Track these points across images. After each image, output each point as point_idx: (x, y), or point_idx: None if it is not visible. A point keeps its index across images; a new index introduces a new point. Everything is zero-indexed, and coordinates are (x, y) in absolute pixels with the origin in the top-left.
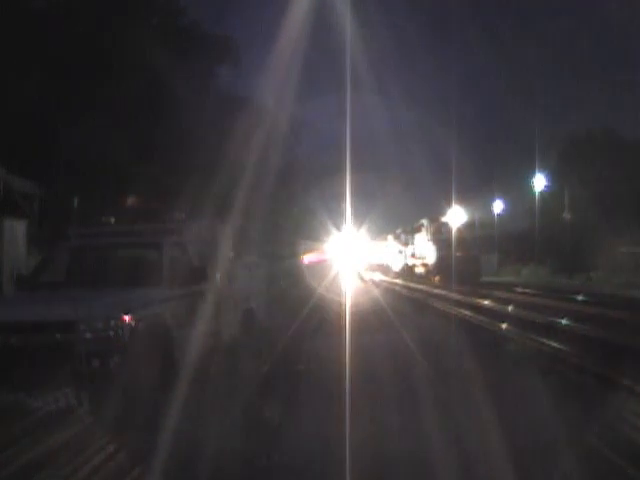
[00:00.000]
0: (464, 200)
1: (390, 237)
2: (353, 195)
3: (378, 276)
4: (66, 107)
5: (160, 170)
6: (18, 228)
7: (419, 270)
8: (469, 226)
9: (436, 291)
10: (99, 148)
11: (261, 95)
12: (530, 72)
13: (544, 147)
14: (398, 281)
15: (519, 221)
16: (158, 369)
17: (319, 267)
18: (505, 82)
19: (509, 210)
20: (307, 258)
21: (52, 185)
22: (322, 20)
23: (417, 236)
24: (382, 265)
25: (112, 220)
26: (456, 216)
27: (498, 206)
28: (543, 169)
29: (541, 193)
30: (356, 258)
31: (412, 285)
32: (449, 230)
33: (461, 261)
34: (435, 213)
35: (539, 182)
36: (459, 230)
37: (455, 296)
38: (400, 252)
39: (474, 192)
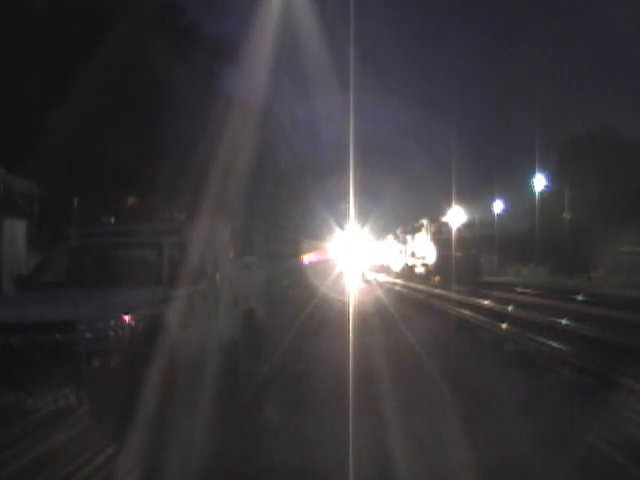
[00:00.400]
0: (464, 200)
1: (390, 237)
2: (352, 195)
3: (379, 276)
4: (66, 107)
5: (160, 170)
6: (18, 228)
7: (419, 270)
8: (469, 226)
9: (436, 291)
10: (99, 148)
11: (263, 95)
12: (530, 72)
13: (544, 147)
14: (398, 281)
15: (519, 221)
16: (158, 369)
17: (321, 267)
18: (505, 82)
19: (509, 210)
20: (307, 258)
21: (52, 185)
22: (323, 19)
23: (417, 236)
24: (383, 265)
25: (112, 220)
26: (456, 216)
27: (498, 206)
28: (543, 169)
29: (541, 193)
30: (358, 258)
31: (412, 285)
32: (449, 230)
33: (461, 261)
34: (435, 213)
35: (539, 182)
36: (459, 230)
37: (455, 296)
38: (400, 252)
39: (474, 192)
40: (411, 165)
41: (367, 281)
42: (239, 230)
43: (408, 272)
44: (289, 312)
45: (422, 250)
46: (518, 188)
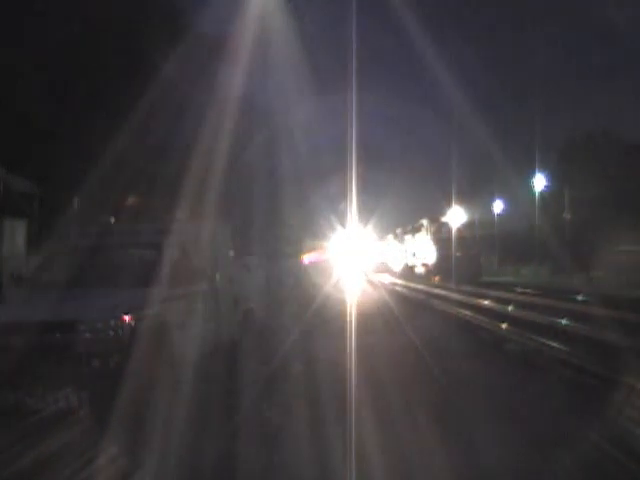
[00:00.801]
0: (464, 200)
1: (390, 237)
2: (353, 194)
3: (379, 276)
4: (66, 107)
5: (160, 170)
6: (18, 228)
7: (419, 270)
8: (469, 226)
9: (436, 291)
10: (99, 148)
11: (264, 94)
12: (530, 72)
13: (544, 147)
14: (399, 281)
15: (519, 221)
16: (158, 369)
17: (322, 266)
18: (505, 82)
19: (509, 210)
20: (308, 257)
21: (52, 185)
22: (325, 17)
23: (417, 236)
24: (383, 264)
25: (112, 220)
26: (456, 216)
27: (498, 206)
28: (543, 169)
29: (541, 193)
30: (360, 258)
31: (412, 285)
32: (449, 230)
33: (461, 261)
34: (435, 213)
35: (539, 182)
36: (459, 230)
37: (455, 296)
38: (400, 252)
39: (474, 192)
40: (411, 165)
41: (368, 281)
42: (239, 230)
43: (408, 272)
44: (290, 312)
45: (422, 250)
46: (518, 188)
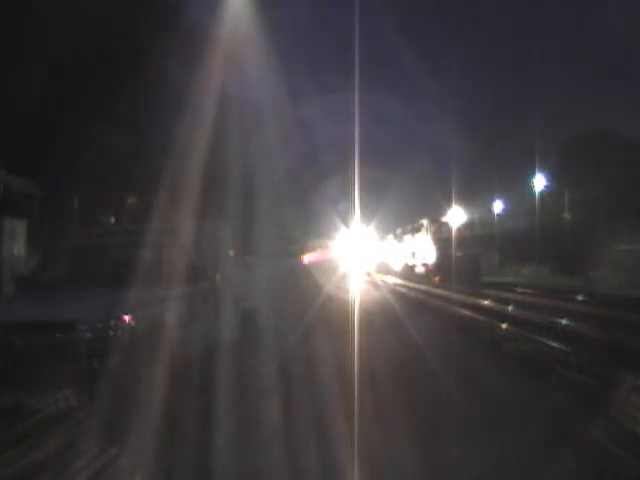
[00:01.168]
0: (464, 200)
1: (391, 237)
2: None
3: (380, 276)
4: (66, 107)
5: (160, 170)
6: (18, 228)
7: (419, 270)
8: (469, 226)
9: (436, 291)
10: (99, 148)
11: (266, 94)
12: (530, 72)
13: (544, 147)
14: (399, 281)
15: (519, 221)
16: (158, 369)
17: (324, 266)
18: (505, 82)
19: (509, 210)
20: (310, 257)
21: (52, 185)
22: (327, 17)
23: (417, 236)
24: (384, 264)
25: (112, 220)
26: (456, 216)
27: (498, 206)
28: (543, 169)
29: (541, 193)
30: (361, 257)
31: (412, 285)
32: (449, 230)
33: (461, 261)
34: (435, 213)
35: (539, 182)
36: (459, 230)
37: (455, 296)
38: (400, 252)
39: (474, 192)
40: (411, 165)
41: (369, 281)
42: (239, 229)
43: (408, 272)
44: (291, 312)
45: (422, 250)
46: (518, 188)
